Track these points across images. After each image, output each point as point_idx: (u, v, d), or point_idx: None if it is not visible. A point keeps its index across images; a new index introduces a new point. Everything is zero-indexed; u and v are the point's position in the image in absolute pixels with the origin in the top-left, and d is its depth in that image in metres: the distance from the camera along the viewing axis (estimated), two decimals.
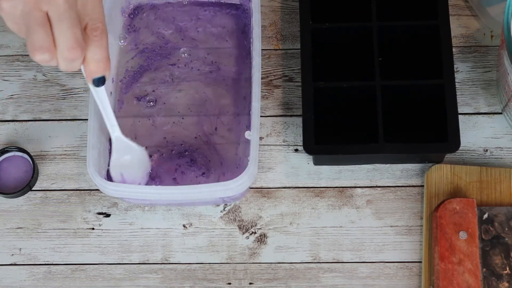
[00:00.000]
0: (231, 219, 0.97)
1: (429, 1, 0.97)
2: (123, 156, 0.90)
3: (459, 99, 0.99)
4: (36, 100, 1.02)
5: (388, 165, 0.98)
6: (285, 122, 1.00)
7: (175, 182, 0.95)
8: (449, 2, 0.97)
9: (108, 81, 0.96)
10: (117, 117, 0.88)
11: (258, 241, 0.96)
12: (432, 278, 0.92)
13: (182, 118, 0.97)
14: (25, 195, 0.98)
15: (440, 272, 0.90)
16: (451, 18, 0.99)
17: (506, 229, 0.92)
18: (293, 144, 0.99)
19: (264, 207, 0.97)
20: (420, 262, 0.94)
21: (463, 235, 0.91)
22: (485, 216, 0.93)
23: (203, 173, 0.95)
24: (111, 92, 0.97)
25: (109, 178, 0.92)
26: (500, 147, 0.98)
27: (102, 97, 0.83)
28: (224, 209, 0.97)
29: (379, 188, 0.97)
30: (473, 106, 1.00)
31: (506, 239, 0.92)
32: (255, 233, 0.96)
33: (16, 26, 0.71)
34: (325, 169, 0.98)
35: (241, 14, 1.01)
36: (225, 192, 0.87)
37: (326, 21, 0.98)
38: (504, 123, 0.99)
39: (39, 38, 0.70)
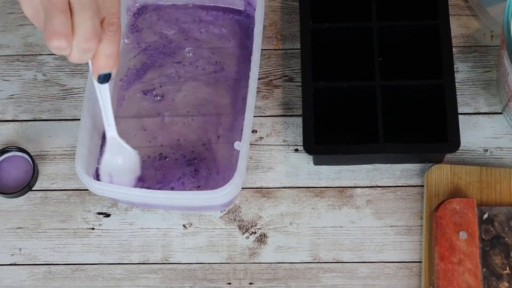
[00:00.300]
0: (231, 219, 0.97)
1: (429, 1, 0.98)
2: (115, 157, 0.90)
3: (459, 99, 0.99)
4: (36, 100, 1.02)
5: (388, 165, 0.98)
6: (285, 122, 1.00)
7: (172, 189, 0.94)
8: (449, 2, 0.97)
9: None
10: (117, 116, 0.87)
11: (258, 241, 0.96)
12: (432, 278, 0.92)
13: (192, 119, 0.97)
14: (25, 195, 0.98)
15: (440, 272, 0.90)
16: (451, 18, 0.99)
17: (506, 229, 0.92)
18: (293, 144, 0.99)
19: (264, 207, 0.97)
20: (420, 262, 0.94)
21: (463, 235, 0.91)
22: (485, 216, 0.93)
23: (199, 186, 0.95)
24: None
25: (98, 176, 0.92)
26: (500, 147, 0.98)
27: (104, 94, 0.82)
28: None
29: (379, 188, 0.97)
30: (473, 106, 1.00)
31: (506, 239, 0.92)
32: (255, 233, 0.96)
33: (33, 12, 0.70)
34: (325, 169, 0.98)
35: (245, 20, 1.01)
36: (210, 201, 0.87)
37: (326, 21, 0.98)
38: (504, 123, 0.99)
39: (58, 23, 0.68)
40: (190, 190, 0.94)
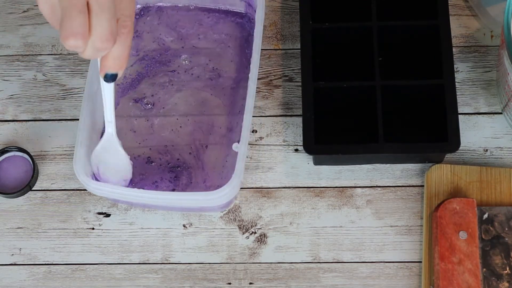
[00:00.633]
0: (231, 219, 0.97)
1: (429, 1, 0.97)
2: (106, 152, 0.90)
3: (459, 99, 0.99)
4: (36, 100, 1.02)
5: (388, 165, 0.98)
6: (285, 122, 1.00)
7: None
8: (449, 2, 0.97)
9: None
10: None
11: (258, 241, 0.96)
12: (432, 278, 0.92)
13: (180, 127, 0.97)
14: (25, 195, 0.98)
15: (440, 272, 0.90)
16: (451, 18, 0.99)
17: (506, 229, 0.92)
18: (293, 144, 0.99)
19: (264, 207, 0.97)
20: (420, 262, 0.94)
21: (463, 235, 0.91)
22: (485, 216, 0.93)
23: (173, 190, 0.95)
24: None
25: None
26: (500, 147, 0.98)
27: (108, 92, 0.83)
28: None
29: (379, 188, 0.97)
30: (473, 106, 1.00)
31: (506, 239, 0.92)
32: (255, 233, 0.96)
33: (50, 10, 0.70)
34: (325, 169, 0.98)
35: (246, 23, 1.01)
36: (208, 202, 0.87)
37: (326, 21, 0.98)
38: (504, 123, 0.99)
39: (76, 24, 0.69)
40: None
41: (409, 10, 1.00)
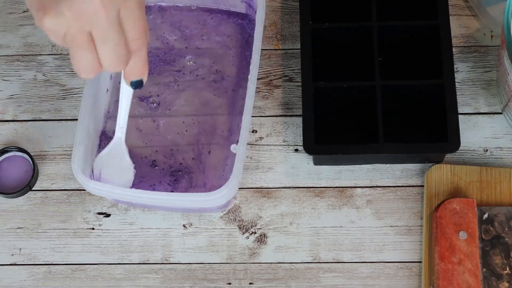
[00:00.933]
0: (231, 219, 0.97)
1: (429, 1, 0.97)
2: (112, 157, 0.90)
3: (459, 99, 0.99)
4: (36, 100, 1.02)
5: (388, 165, 0.98)
6: (285, 122, 1.00)
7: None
8: (449, 2, 0.97)
9: (107, 77, 0.97)
10: (113, 116, 0.88)
11: (258, 241, 0.96)
12: (432, 278, 0.92)
13: (186, 131, 0.97)
14: (25, 195, 0.98)
15: (440, 272, 0.90)
16: (451, 18, 0.99)
17: (506, 229, 0.92)
18: (293, 144, 0.99)
19: (264, 207, 0.97)
20: (420, 262, 0.94)
21: (463, 235, 0.91)
22: (485, 216, 0.93)
23: (172, 191, 0.95)
24: (107, 89, 0.97)
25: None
26: (500, 147, 0.98)
27: (126, 97, 0.84)
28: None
29: (379, 188, 0.97)
30: (473, 106, 1.00)
31: (506, 239, 0.92)
32: (255, 233, 0.96)
33: (61, 42, 0.71)
34: (325, 169, 0.98)
35: (247, 24, 1.01)
36: (206, 203, 0.87)
37: (326, 21, 0.97)
38: (504, 123, 0.99)
39: (84, 61, 0.70)
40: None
41: (409, 10, 1.00)
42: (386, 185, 0.97)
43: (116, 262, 0.96)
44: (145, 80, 0.76)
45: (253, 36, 0.93)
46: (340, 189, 0.97)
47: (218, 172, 0.95)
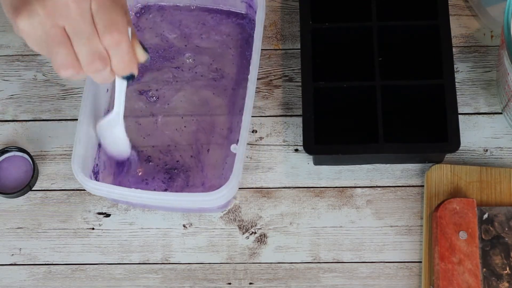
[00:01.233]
0: (231, 219, 0.97)
1: (429, 1, 0.97)
2: (109, 130, 0.91)
3: (459, 99, 0.99)
4: (36, 100, 1.02)
5: (388, 165, 0.98)
6: (285, 122, 1.00)
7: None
8: (449, 2, 0.97)
9: None
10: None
11: (258, 241, 0.96)
12: (432, 278, 0.92)
13: (185, 127, 0.97)
14: (25, 195, 0.98)
15: (440, 272, 0.90)
16: (451, 18, 0.99)
17: (506, 229, 0.92)
18: (293, 144, 0.99)
19: (264, 207, 0.97)
20: (420, 262, 0.94)
21: (463, 235, 0.91)
22: (485, 216, 0.93)
23: (166, 190, 0.95)
24: (107, 89, 0.97)
25: (96, 174, 0.93)
26: (500, 147, 0.98)
27: (120, 88, 0.84)
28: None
29: (379, 188, 0.97)
30: (473, 106, 1.00)
31: (506, 239, 0.92)
32: (255, 233, 0.96)
33: (38, 47, 0.71)
34: (325, 169, 0.98)
35: (246, 24, 1.01)
36: (205, 203, 0.87)
37: (326, 21, 0.97)
38: (504, 123, 0.99)
39: (61, 56, 0.70)
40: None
41: (409, 10, 1.00)
42: (386, 185, 0.97)
43: (116, 262, 0.96)
44: (136, 73, 0.75)
45: (253, 36, 0.93)
46: (340, 189, 0.97)
47: (217, 172, 0.95)
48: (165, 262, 0.95)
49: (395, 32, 0.97)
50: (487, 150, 0.98)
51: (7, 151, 0.98)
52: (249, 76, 0.90)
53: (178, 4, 1.02)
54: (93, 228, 0.97)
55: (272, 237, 0.96)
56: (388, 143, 0.92)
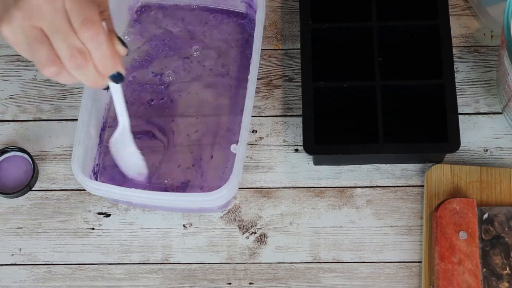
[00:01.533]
0: (231, 219, 0.97)
1: (429, 1, 0.97)
2: (119, 144, 0.91)
3: (459, 99, 0.99)
4: (36, 100, 1.02)
5: (388, 165, 0.98)
6: (285, 122, 1.00)
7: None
8: (449, 2, 0.97)
9: None
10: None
11: (258, 241, 0.96)
12: (432, 278, 0.92)
13: (186, 129, 0.97)
14: (25, 195, 0.98)
15: (440, 272, 0.90)
16: (451, 18, 0.99)
17: (506, 229, 0.92)
18: (293, 144, 0.99)
19: (264, 207, 0.97)
20: (420, 262, 0.94)
21: (463, 235, 0.91)
22: (485, 216, 0.93)
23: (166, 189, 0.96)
24: (107, 102, 0.97)
25: (96, 174, 0.94)
26: (500, 147, 0.98)
27: (115, 91, 0.84)
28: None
29: (379, 188, 0.97)
30: (473, 106, 1.00)
31: (506, 239, 0.92)
32: (255, 233, 0.96)
33: (23, 51, 0.73)
34: (325, 169, 0.98)
35: (247, 24, 1.01)
36: (205, 203, 0.87)
37: (326, 21, 0.97)
38: (504, 123, 0.99)
39: (41, 54, 0.71)
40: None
41: (409, 10, 1.00)
42: (386, 185, 0.97)
43: (116, 262, 0.96)
44: (122, 71, 0.76)
45: (253, 36, 0.93)
46: (340, 189, 0.97)
47: (217, 172, 0.95)
48: (165, 262, 0.95)
49: (395, 32, 0.97)
50: (487, 150, 0.98)
51: (7, 151, 0.98)
52: (249, 76, 0.90)
53: (178, 3, 1.02)
54: (93, 228, 0.97)
55: (272, 237, 0.96)
56: (388, 143, 0.92)
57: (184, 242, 0.96)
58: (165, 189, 0.95)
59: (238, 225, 0.96)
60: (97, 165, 0.95)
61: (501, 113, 1.00)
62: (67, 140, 1.00)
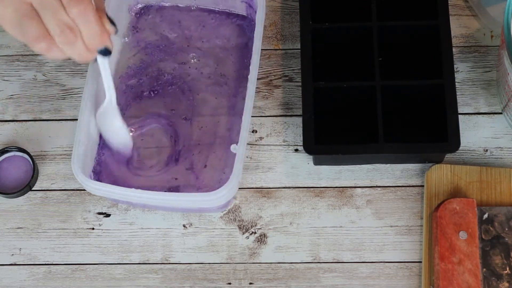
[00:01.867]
0: (231, 219, 0.97)
1: (429, 1, 0.98)
2: (106, 118, 0.91)
3: (459, 99, 0.99)
4: (36, 100, 1.02)
5: (388, 165, 0.98)
6: (285, 122, 1.00)
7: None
8: (449, 2, 0.97)
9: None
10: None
11: (258, 241, 0.96)
12: (432, 278, 0.92)
13: (186, 129, 0.97)
14: (25, 195, 0.98)
15: (440, 272, 0.90)
16: (451, 18, 0.99)
17: (506, 229, 0.92)
18: (293, 144, 0.99)
19: (264, 207, 0.97)
20: (420, 262, 0.94)
21: (463, 235, 0.91)
22: (485, 216, 0.93)
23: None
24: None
25: (96, 175, 0.94)
26: (500, 147, 0.98)
27: (103, 67, 0.85)
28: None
29: (379, 188, 0.97)
30: (473, 106, 1.00)
31: (506, 239, 0.92)
32: (255, 233, 0.96)
33: (13, 29, 0.74)
34: (325, 169, 0.98)
35: (247, 25, 1.01)
36: (205, 203, 0.87)
37: (326, 21, 0.98)
38: (504, 123, 0.99)
39: (31, 30, 0.73)
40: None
41: (409, 10, 1.00)
42: (386, 185, 0.97)
43: (116, 262, 0.96)
44: (109, 47, 0.77)
45: (253, 36, 0.93)
46: (340, 189, 0.97)
47: (217, 172, 0.95)
48: (165, 262, 0.95)
49: (395, 32, 0.97)
50: (487, 150, 0.98)
51: (7, 151, 0.98)
52: (249, 76, 0.90)
53: (178, 4, 1.02)
54: (93, 228, 0.97)
55: (272, 237, 0.96)
56: (388, 143, 0.92)
57: (184, 242, 0.96)
58: (164, 189, 0.95)
59: (238, 225, 0.96)
60: (97, 165, 0.95)
61: (501, 113, 1.00)
62: (67, 140, 1.00)
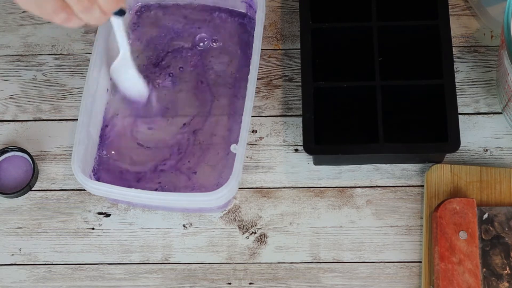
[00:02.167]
0: (231, 219, 0.97)
1: (429, 1, 0.98)
2: (121, 70, 0.94)
3: (459, 99, 0.99)
4: (36, 100, 1.02)
5: (388, 165, 0.98)
6: (285, 122, 1.00)
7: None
8: (449, 2, 0.97)
9: (107, 76, 0.96)
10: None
11: (258, 241, 0.96)
12: (432, 278, 0.92)
13: (185, 129, 0.97)
14: (25, 195, 0.98)
15: (440, 272, 0.90)
16: (451, 18, 0.99)
17: (506, 229, 0.92)
18: (293, 144, 0.99)
19: (264, 207, 0.97)
20: (420, 262, 0.94)
21: (463, 235, 0.91)
22: (485, 216, 0.93)
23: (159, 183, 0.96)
24: (107, 89, 0.97)
25: (96, 175, 0.94)
26: (500, 147, 0.98)
27: (117, 26, 0.88)
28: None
29: (379, 188, 0.97)
30: (473, 106, 1.00)
31: (506, 239, 0.92)
32: (255, 233, 0.96)
33: (31, 5, 0.75)
34: (325, 169, 0.98)
35: (247, 24, 1.01)
36: (204, 203, 0.88)
37: (326, 21, 0.98)
38: (504, 123, 0.99)
39: (49, 3, 0.74)
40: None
41: (409, 10, 1.00)
42: (386, 185, 0.97)
43: (116, 262, 0.96)
44: (124, 7, 0.79)
45: (253, 36, 0.93)
46: (340, 189, 0.97)
47: (217, 172, 0.95)
48: (165, 262, 0.95)
49: (395, 32, 0.97)
50: (487, 150, 0.98)
51: (7, 151, 0.98)
52: (249, 76, 0.90)
53: (179, 3, 1.02)
54: (93, 228, 0.97)
55: (272, 237, 0.96)
56: (388, 143, 0.92)
57: (184, 242, 0.96)
58: (164, 189, 0.95)
59: (238, 225, 0.96)
60: (97, 164, 0.95)
61: (501, 113, 1.00)
62: (67, 140, 1.00)
